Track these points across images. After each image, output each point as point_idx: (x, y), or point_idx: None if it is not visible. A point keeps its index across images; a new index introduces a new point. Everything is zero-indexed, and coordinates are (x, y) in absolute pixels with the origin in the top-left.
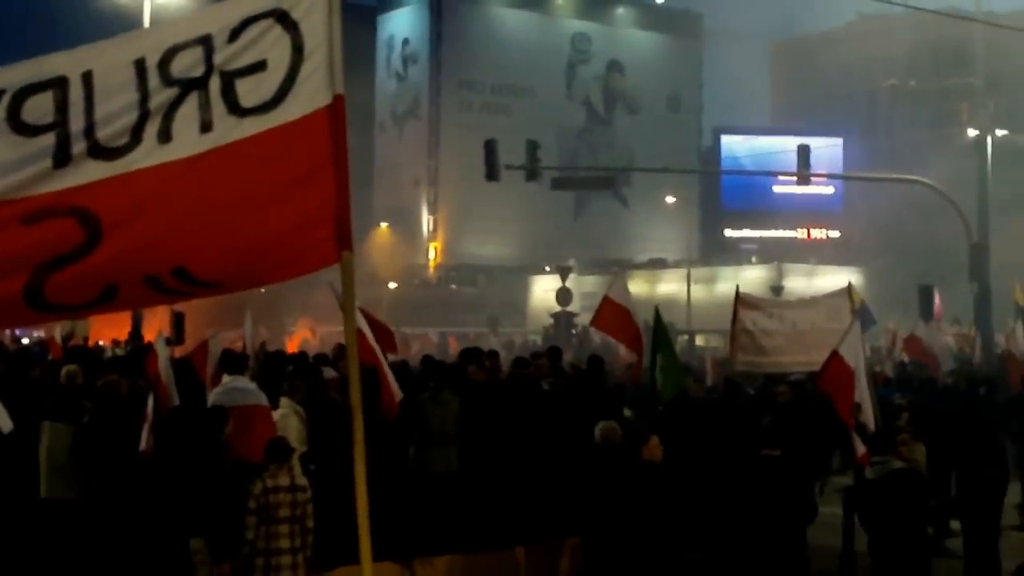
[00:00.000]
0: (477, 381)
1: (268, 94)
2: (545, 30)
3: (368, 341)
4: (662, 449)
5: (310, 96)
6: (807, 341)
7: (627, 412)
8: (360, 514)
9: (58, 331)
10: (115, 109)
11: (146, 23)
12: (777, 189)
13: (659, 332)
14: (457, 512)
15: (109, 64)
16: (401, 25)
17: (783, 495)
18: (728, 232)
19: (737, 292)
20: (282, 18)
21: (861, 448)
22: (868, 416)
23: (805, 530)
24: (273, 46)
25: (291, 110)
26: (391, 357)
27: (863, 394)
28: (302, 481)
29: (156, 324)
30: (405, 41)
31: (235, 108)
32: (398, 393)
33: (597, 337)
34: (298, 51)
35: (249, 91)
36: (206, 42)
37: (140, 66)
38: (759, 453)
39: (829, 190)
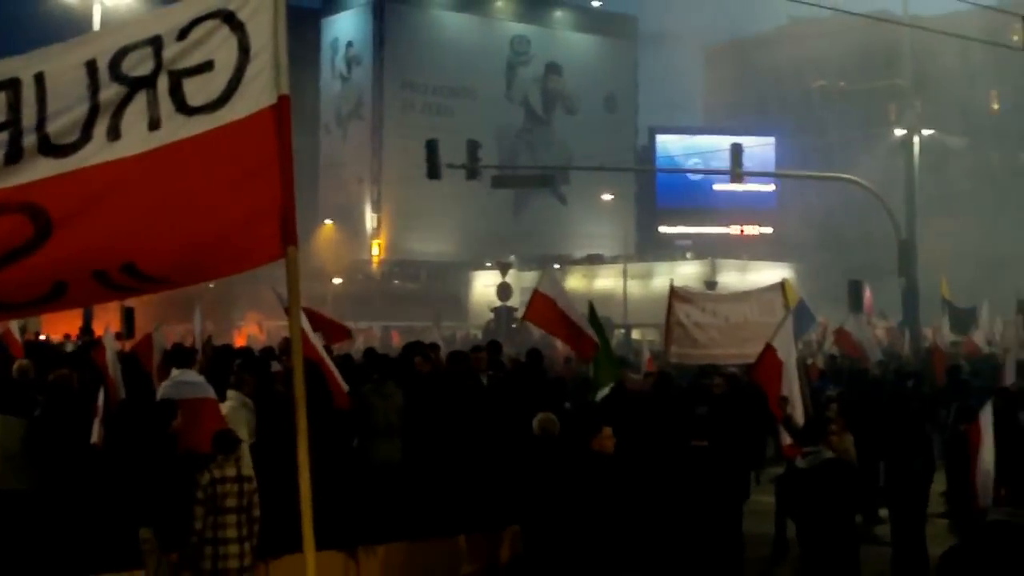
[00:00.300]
0: (420, 373)
1: (215, 93)
2: (485, 33)
3: (309, 338)
4: (614, 440)
5: (256, 96)
6: (739, 334)
7: (567, 404)
8: (303, 503)
9: (15, 327)
10: (66, 108)
11: (96, 26)
12: (711, 187)
13: (594, 326)
14: (400, 501)
15: (61, 66)
16: (345, 28)
17: (715, 484)
18: (663, 229)
19: (671, 286)
20: (229, 19)
21: (787, 439)
22: (796, 409)
23: (740, 518)
24: (220, 46)
25: (237, 109)
26: (336, 349)
27: (791, 387)
28: (249, 472)
29: (106, 319)
30: (349, 43)
31: (183, 107)
32: (344, 386)
33: (536, 331)
34: (244, 52)
35: (196, 90)
36: (155, 42)
37: (91, 67)
38: (690, 444)
39: (762, 188)
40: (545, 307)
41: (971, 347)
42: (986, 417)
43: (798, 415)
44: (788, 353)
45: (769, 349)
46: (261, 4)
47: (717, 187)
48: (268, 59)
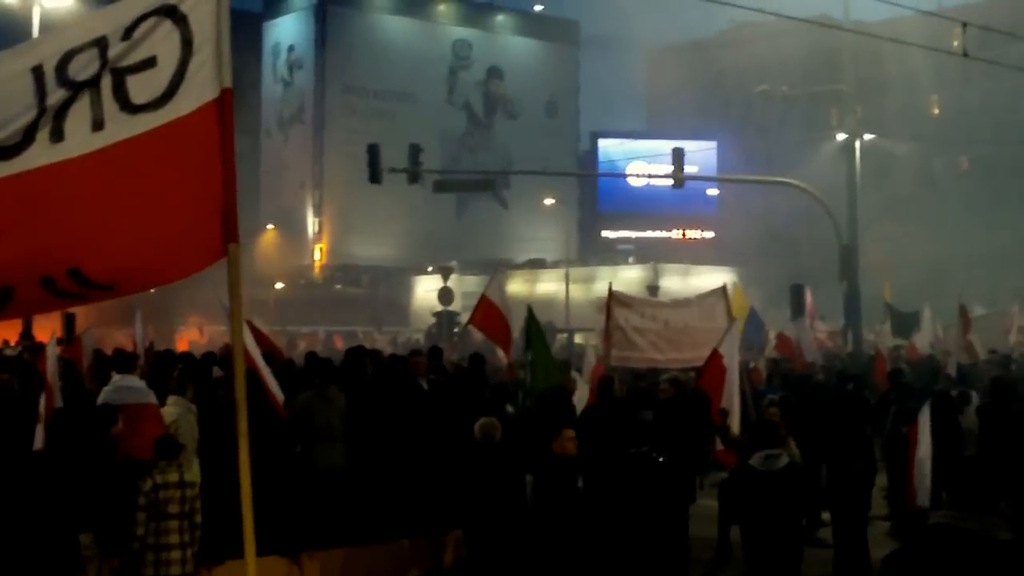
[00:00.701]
0: (363, 378)
1: (159, 90)
2: (427, 37)
3: (248, 346)
4: (576, 442)
5: (199, 90)
6: (679, 339)
7: (509, 408)
8: (244, 508)
9: None
10: (14, 115)
11: (35, 32)
12: (653, 191)
13: (531, 330)
14: (343, 506)
15: (8, 73)
16: (287, 32)
17: (661, 488)
18: (605, 233)
19: (610, 290)
20: (171, 12)
21: (721, 446)
22: (734, 418)
23: (687, 522)
24: (163, 41)
25: (181, 106)
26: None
27: (732, 395)
28: (191, 477)
29: (48, 325)
30: (291, 47)
31: (126, 105)
32: (278, 394)
33: (479, 336)
34: (187, 45)
35: (140, 88)
36: (101, 43)
37: (38, 72)
38: (632, 449)
39: (705, 192)
40: (490, 312)
41: (913, 351)
42: (923, 419)
43: (735, 423)
44: (732, 360)
45: (716, 356)
46: None
47: (653, 191)
48: (210, 52)
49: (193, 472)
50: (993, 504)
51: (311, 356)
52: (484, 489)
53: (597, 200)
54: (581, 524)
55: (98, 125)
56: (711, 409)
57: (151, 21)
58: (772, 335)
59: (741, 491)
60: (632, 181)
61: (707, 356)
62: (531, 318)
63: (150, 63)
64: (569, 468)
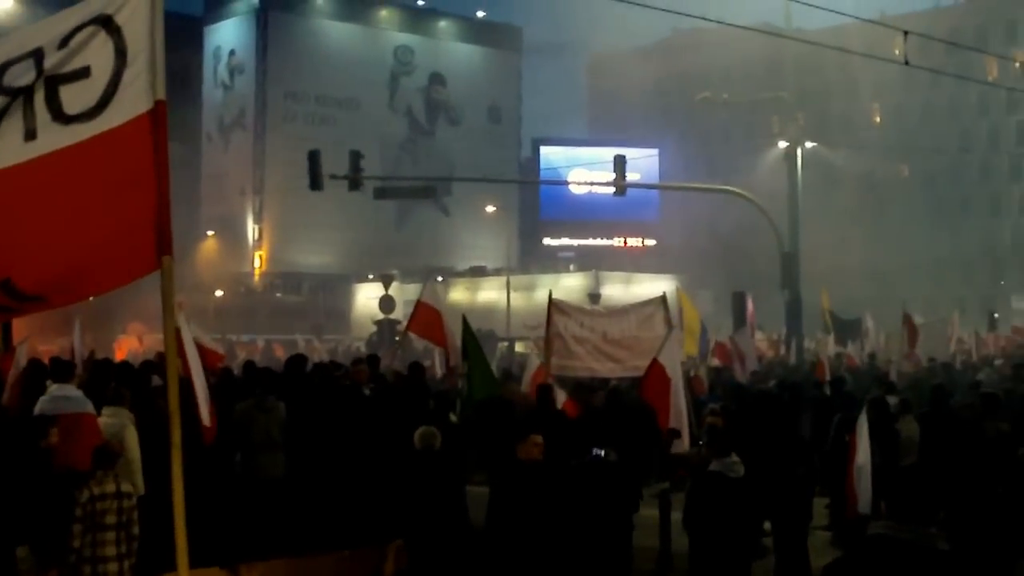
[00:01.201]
0: (303, 388)
1: (92, 101)
2: (369, 42)
3: (187, 356)
4: (542, 447)
5: (132, 102)
6: (618, 349)
7: (453, 417)
8: (177, 518)
9: None
10: None
11: None
12: (595, 199)
13: (467, 340)
14: (283, 516)
15: None
16: (227, 36)
17: (603, 498)
18: (547, 240)
19: (550, 298)
20: (106, 23)
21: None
22: (684, 430)
23: (631, 531)
24: (97, 52)
25: (114, 116)
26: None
27: (680, 409)
28: (128, 488)
29: None
30: (231, 52)
31: (59, 115)
32: (204, 408)
33: (420, 344)
34: (121, 56)
35: (73, 98)
36: (37, 53)
37: None
38: (570, 458)
39: (646, 199)
40: (428, 318)
41: (851, 360)
42: (861, 427)
43: (685, 436)
44: (675, 370)
45: (656, 365)
46: (138, 7)
47: (594, 198)
48: (144, 63)
49: (137, 483)
50: (932, 514)
51: (250, 365)
52: (424, 498)
53: (539, 208)
54: (543, 532)
55: (31, 135)
56: (656, 419)
57: (87, 31)
58: (712, 343)
59: (705, 497)
60: (574, 189)
61: (647, 365)
62: (466, 328)
63: (84, 73)
64: (536, 474)
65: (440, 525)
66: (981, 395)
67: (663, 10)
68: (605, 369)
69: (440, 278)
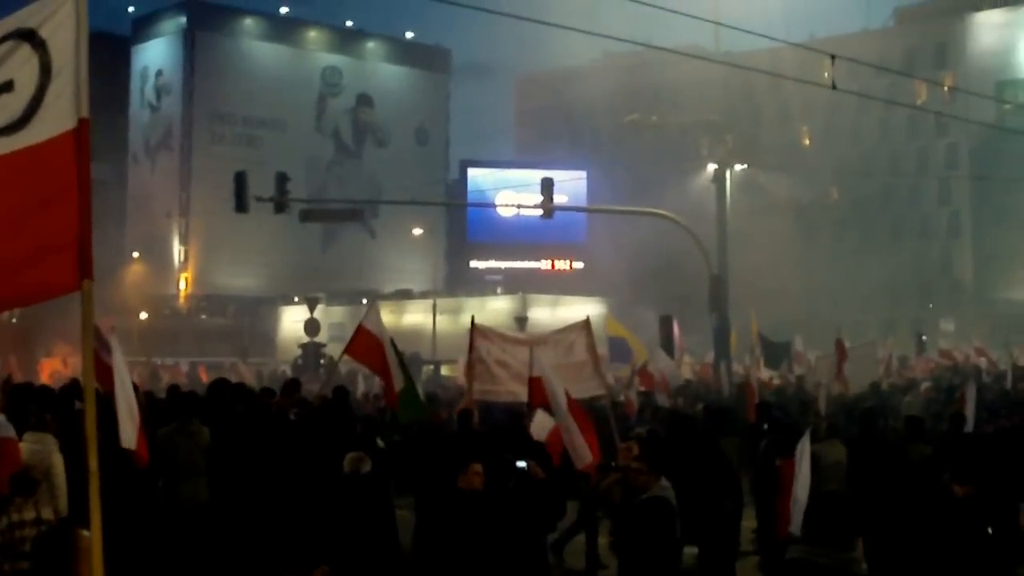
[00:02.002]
0: (226, 412)
1: (14, 115)
2: (297, 63)
3: (114, 377)
4: (483, 477)
5: (56, 119)
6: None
7: (380, 442)
8: (94, 546)
9: None
10: None
11: None
12: (522, 221)
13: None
14: (207, 542)
15: None
16: (155, 56)
17: (529, 517)
18: (474, 263)
19: (473, 322)
20: (30, 37)
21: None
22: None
23: (546, 551)
24: (21, 66)
25: (37, 133)
26: (142, 385)
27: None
28: (48, 515)
29: None
30: (159, 72)
31: None
32: (128, 440)
33: (344, 368)
34: (45, 71)
35: None
36: None
37: None
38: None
39: (574, 222)
40: (368, 343)
41: (769, 385)
42: (802, 449)
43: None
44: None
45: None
46: (63, 21)
47: (522, 221)
48: (69, 80)
49: (62, 509)
50: (849, 539)
51: (173, 389)
52: (352, 522)
53: (466, 230)
54: (479, 559)
55: None
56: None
57: (9, 44)
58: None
59: (635, 521)
60: (501, 211)
61: (571, 391)
62: (394, 351)
63: (7, 87)
64: (478, 505)
65: (368, 550)
66: (905, 419)
67: (592, 33)
68: (526, 394)
69: (364, 300)
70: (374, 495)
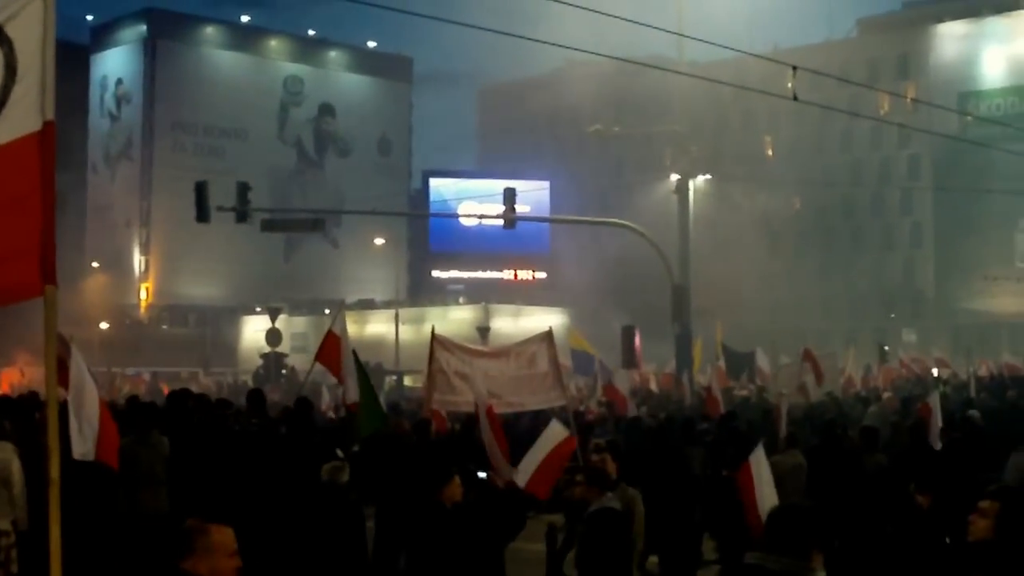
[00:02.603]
0: (186, 423)
1: None
2: (258, 72)
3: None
4: (463, 489)
5: (21, 120)
6: (500, 387)
7: (339, 453)
8: (52, 558)
9: None
10: None
11: None
12: (485, 231)
13: (357, 373)
14: (168, 553)
15: None
16: (115, 65)
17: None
18: (436, 273)
19: (433, 333)
20: None
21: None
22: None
23: (503, 565)
24: None
25: (0, 134)
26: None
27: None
28: (5, 526)
29: None
30: (119, 81)
31: None
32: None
33: (303, 378)
34: (10, 71)
35: None
36: None
37: None
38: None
39: (537, 232)
40: (336, 349)
41: (743, 391)
42: (756, 458)
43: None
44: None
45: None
46: (30, 21)
47: (484, 231)
48: (34, 82)
49: (21, 519)
50: (804, 548)
51: (133, 400)
52: (326, 531)
53: (428, 240)
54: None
55: None
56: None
57: None
58: (600, 380)
59: (594, 533)
60: (464, 221)
61: (528, 402)
62: (354, 361)
63: None
64: (461, 517)
65: (340, 559)
66: (860, 430)
67: (553, 44)
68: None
69: (327, 311)
70: (350, 505)
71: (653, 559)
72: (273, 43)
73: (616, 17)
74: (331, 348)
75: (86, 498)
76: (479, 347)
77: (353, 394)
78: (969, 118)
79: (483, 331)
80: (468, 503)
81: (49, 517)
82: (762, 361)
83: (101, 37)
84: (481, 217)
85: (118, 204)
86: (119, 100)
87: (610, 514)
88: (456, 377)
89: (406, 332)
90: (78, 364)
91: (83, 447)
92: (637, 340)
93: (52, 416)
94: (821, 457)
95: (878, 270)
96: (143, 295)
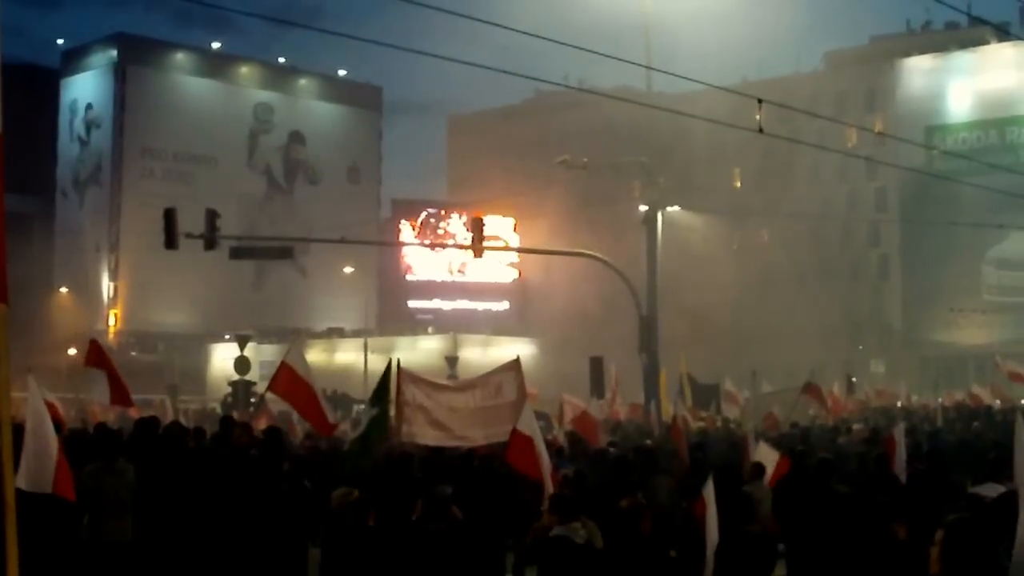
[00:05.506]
0: (153, 450)
1: None
2: (228, 99)
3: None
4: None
5: None
6: (466, 419)
7: (307, 484)
8: None
9: None
10: None
11: None
12: (453, 261)
13: (381, 388)
14: None
15: None
16: (84, 89)
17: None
18: (412, 303)
19: (399, 366)
20: None
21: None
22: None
23: None
24: None
25: None
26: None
27: (545, 464)
28: None
29: None
30: (88, 106)
31: None
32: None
33: (275, 407)
34: None
35: None
36: None
37: None
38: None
39: (505, 263)
40: (289, 379)
41: (709, 423)
42: (708, 494)
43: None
44: (534, 431)
45: (516, 433)
46: None
47: (453, 261)
48: None
49: None
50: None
51: (100, 427)
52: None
53: (398, 269)
54: None
55: None
56: (523, 483)
57: None
58: (568, 408)
59: (552, 564)
60: (433, 251)
61: (497, 433)
62: (386, 374)
63: None
64: (439, 539)
65: None
66: (817, 460)
67: (524, 76)
68: (454, 438)
69: (298, 337)
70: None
71: None
72: (243, 70)
73: (585, 50)
74: (285, 379)
75: (47, 526)
76: (444, 381)
77: (331, 417)
78: (936, 151)
79: (451, 360)
80: (439, 529)
81: (7, 545)
82: (731, 386)
83: (71, 61)
84: (450, 247)
85: (87, 229)
86: (88, 125)
87: (565, 543)
88: (420, 411)
89: (375, 361)
90: (34, 394)
91: (38, 479)
92: (614, 371)
93: (6, 437)
94: (788, 487)
95: (846, 302)
96: (112, 321)
